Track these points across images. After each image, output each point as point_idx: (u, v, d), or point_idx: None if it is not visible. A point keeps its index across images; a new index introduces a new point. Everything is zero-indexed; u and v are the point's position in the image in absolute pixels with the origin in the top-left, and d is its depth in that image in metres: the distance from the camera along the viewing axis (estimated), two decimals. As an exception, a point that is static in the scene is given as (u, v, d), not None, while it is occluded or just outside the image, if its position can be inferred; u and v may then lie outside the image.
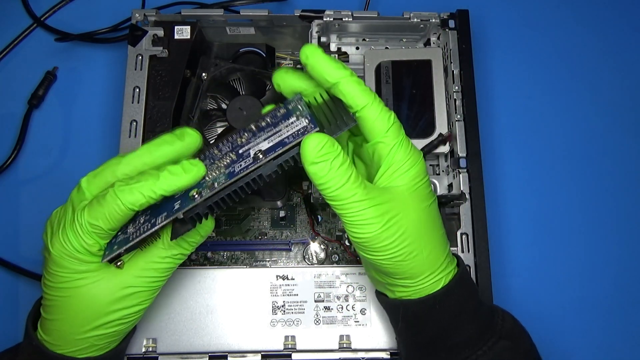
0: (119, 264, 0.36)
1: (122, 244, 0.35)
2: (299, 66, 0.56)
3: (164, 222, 0.34)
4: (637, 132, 0.60)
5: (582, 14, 0.64)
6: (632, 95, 0.61)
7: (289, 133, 0.34)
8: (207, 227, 0.37)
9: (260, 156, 0.33)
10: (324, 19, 0.52)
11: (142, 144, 0.44)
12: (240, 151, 0.35)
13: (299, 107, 0.35)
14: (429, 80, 0.50)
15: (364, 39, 0.55)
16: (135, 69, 0.50)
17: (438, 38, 0.54)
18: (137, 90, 0.50)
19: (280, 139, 0.34)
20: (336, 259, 0.51)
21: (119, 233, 0.36)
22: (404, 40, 0.55)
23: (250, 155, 0.34)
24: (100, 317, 0.36)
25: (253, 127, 0.36)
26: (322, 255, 0.51)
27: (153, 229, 0.34)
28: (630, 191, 0.58)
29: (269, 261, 0.52)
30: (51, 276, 0.36)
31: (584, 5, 0.64)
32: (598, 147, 0.60)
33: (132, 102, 0.49)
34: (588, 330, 0.54)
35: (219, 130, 0.50)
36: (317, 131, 0.33)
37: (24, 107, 0.58)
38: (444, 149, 0.49)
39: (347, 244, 0.51)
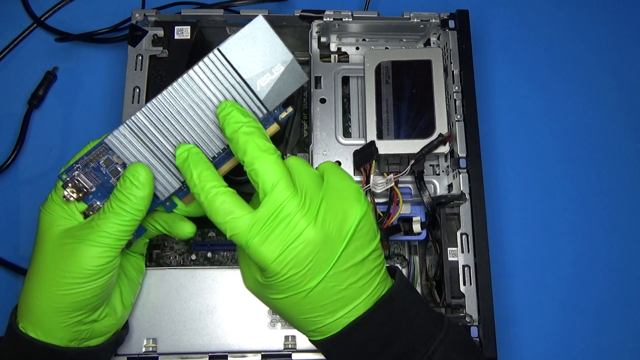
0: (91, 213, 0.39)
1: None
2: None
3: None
4: (637, 132, 0.60)
5: (581, 14, 0.64)
6: (632, 95, 0.61)
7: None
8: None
9: None
10: (324, 19, 0.52)
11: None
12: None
13: None
14: (429, 81, 0.50)
15: (364, 39, 0.55)
16: (135, 69, 0.50)
17: (438, 38, 0.54)
18: (137, 90, 0.50)
19: None
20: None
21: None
22: (404, 40, 0.55)
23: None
24: (64, 277, 0.37)
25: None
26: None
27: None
28: (630, 190, 0.58)
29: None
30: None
31: (583, 6, 0.64)
32: (598, 147, 0.60)
33: (132, 102, 0.49)
34: (588, 330, 0.54)
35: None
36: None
37: (24, 107, 0.58)
38: (444, 149, 0.49)
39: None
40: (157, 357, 0.45)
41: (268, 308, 0.46)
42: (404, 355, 0.37)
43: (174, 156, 0.39)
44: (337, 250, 0.36)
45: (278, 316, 0.46)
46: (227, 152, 0.40)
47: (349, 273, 0.36)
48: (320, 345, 0.39)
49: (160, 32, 0.51)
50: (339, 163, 0.50)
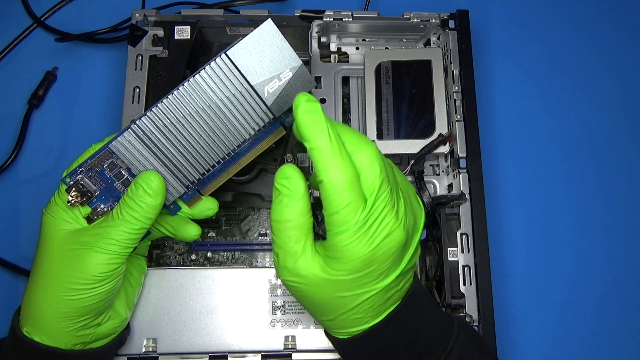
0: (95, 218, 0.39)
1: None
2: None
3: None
4: (638, 132, 0.60)
5: (582, 14, 0.64)
6: (633, 95, 0.61)
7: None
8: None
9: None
10: (324, 19, 0.52)
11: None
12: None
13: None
14: (429, 81, 0.50)
15: (364, 39, 0.55)
16: (135, 69, 0.50)
17: (438, 38, 0.54)
18: (137, 90, 0.50)
19: None
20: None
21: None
22: (404, 40, 0.55)
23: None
24: (70, 283, 0.37)
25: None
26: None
27: None
28: (630, 190, 0.58)
29: (268, 261, 0.52)
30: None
31: (583, 6, 0.64)
32: (598, 146, 0.60)
33: (132, 102, 0.49)
34: (588, 330, 0.54)
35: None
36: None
37: (24, 107, 0.58)
38: (444, 149, 0.49)
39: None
40: (157, 357, 0.45)
41: (268, 308, 0.46)
42: (426, 352, 0.37)
43: (181, 164, 0.38)
44: (409, 251, 0.35)
45: (278, 316, 0.46)
46: (232, 157, 0.40)
47: (407, 273, 0.36)
48: (341, 344, 0.38)
49: (160, 32, 0.51)
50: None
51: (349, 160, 0.33)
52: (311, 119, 0.33)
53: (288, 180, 0.34)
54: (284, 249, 0.35)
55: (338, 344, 0.39)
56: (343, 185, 0.32)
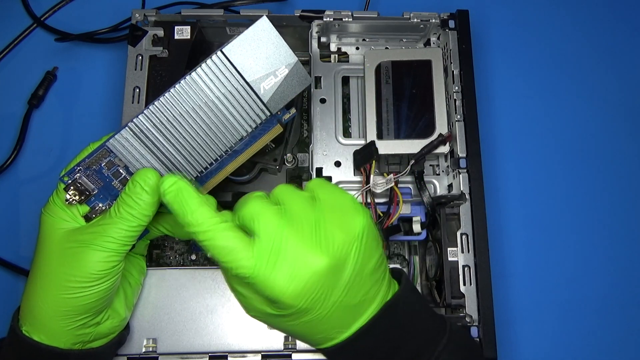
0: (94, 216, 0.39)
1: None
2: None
3: None
4: (638, 132, 0.60)
5: (582, 14, 0.64)
6: (633, 94, 0.61)
7: None
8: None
9: None
10: (324, 19, 0.52)
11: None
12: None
13: None
14: (429, 81, 0.50)
15: (364, 39, 0.55)
16: (135, 69, 0.50)
17: (438, 38, 0.54)
18: (137, 90, 0.50)
19: None
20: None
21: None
22: (404, 40, 0.55)
23: None
24: (68, 281, 0.37)
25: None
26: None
27: None
28: (631, 190, 0.58)
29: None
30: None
31: (583, 6, 0.64)
32: (598, 146, 0.60)
33: (132, 102, 0.49)
34: (588, 330, 0.54)
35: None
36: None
37: (24, 107, 0.58)
38: (444, 149, 0.49)
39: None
40: (157, 357, 0.45)
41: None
42: None
43: (178, 162, 0.39)
44: (347, 268, 0.34)
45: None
46: (229, 154, 0.40)
47: (360, 286, 0.35)
48: (328, 353, 0.38)
49: (160, 32, 0.51)
50: (338, 163, 0.50)
51: (216, 221, 0.35)
52: (174, 202, 0.35)
53: None
54: (236, 293, 0.37)
55: (325, 354, 0.39)
56: (222, 245, 0.34)
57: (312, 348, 0.45)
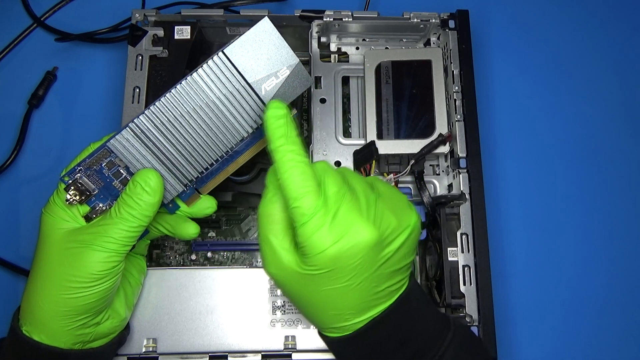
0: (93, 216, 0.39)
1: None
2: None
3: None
4: (638, 132, 0.60)
5: (582, 14, 0.64)
6: (633, 94, 0.61)
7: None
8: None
9: None
10: (324, 19, 0.52)
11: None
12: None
13: None
14: (429, 81, 0.50)
15: (364, 39, 0.55)
16: (135, 69, 0.50)
17: (438, 38, 0.54)
18: (137, 90, 0.50)
19: None
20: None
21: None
22: (404, 40, 0.55)
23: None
24: (68, 281, 0.37)
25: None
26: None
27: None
28: (631, 190, 0.58)
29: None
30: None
31: (583, 6, 0.64)
32: (598, 146, 0.60)
33: (132, 102, 0.49)
34: (588, 330, 0.54)
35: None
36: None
37: (24, 107, 0.58)
38: (444, 149, 0.49)
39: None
40: (157, 357, 0.45)
41: (268, 308, 0.46)
42: (417, 355, 0.37)
43: (179, 162, 0.39)
44: (387, 253, 0.35)
45: (278, 316, 0.46)
46: (230, 155, 0.40)
47: (389, 276, 0.36)
48: (333, 343, 0.38)
49: (160, 32, 0.51)
50: (338, 163, 0.50)
51: (304, 157, 0.35)
52: (275, 124, 0.35)
53: (276, 178, 0.36)
54: (266, 242, 0.36)
55: (329, 344, 0.39)
56: (299, 177, 0.34)
57: (313, 348, 0.45)
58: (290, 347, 0.45)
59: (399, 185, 0.49)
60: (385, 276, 0.36)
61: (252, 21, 0.53)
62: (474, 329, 0.45)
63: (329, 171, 0.36)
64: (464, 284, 0.46)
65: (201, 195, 0.42)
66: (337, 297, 0.35)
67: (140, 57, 0.51)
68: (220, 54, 0.37)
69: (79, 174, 0.38)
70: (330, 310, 0.36)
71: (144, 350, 0.45)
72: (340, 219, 0.34)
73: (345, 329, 0.37)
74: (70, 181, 0.38)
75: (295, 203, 0.34)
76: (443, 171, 0.52)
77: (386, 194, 0.38)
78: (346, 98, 0.54)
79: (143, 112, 0.38)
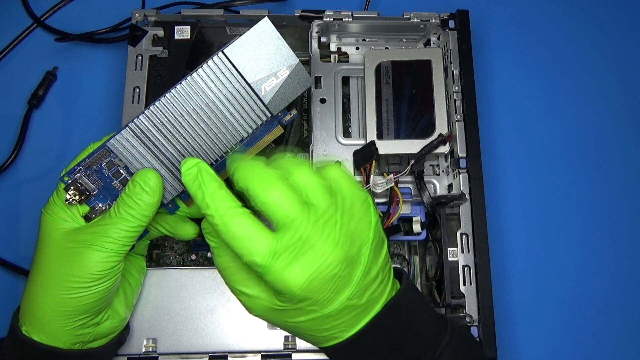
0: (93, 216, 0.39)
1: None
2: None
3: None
4: (638, 132, 0.60)
5: (582, 14, 0.64)
6: (633, 94, 0.61)
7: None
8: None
9: None
10: (324, 19, 0.52)
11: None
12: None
13: None
14: (429, 81, 0.50)
15: (364, 39, 0.55)
16: (135, 69, 0.50)
17: (438, 38, 0.54)
18: (137, 90, 0.50)
19: None
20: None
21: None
22: (404, 40, 0.55)
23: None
24: (68, 281, 0.37)
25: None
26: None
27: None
28: (631, 190, 0.58)
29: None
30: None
31: (583, 6, 0.64)
32: (598, 146, 0.60)
33: (132, 102, 0.49)
34: (588, 330, 0.54)
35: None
36: None
37: (24, 107, 0.58)
38: (444, 149, 0.49)
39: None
40: (157, 357, 0.45)
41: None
42: (413, 359, 0.37)
43: (179, 162, 0.38)
44: (358, 268, 0.34)
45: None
46: (230, 155, 0.40)
47: (368, 285, 0.35)
48: (329, 352, 0.38)
49: (160, 32, 0.51)
50: (338, 164, 0.50)
51: (233, 203, 0.34)
52: (193, 186, 0.35)
53: (212, 234, 0.36)
54: (237, 293, 0.37)
55: (325, 352, 0.39)
56: (238, 229, 0.33)
57: (312, 348, 0.45)
58: (290, 347, 0.45)
59: (399, 185, 0.49)
60: (365, 287, 0.35)
61: (252, 21, 0.53)
62: (474, 329, 0.45)
63: (282, 195, 0.33)
64: (464, 284, 0.46)
65: None
66: (322, 322, 0.35)
67: (140, 57, 0.51)
68: (220, 54, 0.37)
69: (78, 174, 0.38)
70: (320, 333, 0.36)
71: (143, 350, 0.45)
72: (305, 251, 0.33)
73: (337, 342, 0.37)
74: (70, 181, 0.38)
75: (247, 258, 0.32)
76: (443, 171, 0.52)
77: (347, 197, 0.35)
78: (346, 98, 0.54)
79: (143, 112, 0.37)
